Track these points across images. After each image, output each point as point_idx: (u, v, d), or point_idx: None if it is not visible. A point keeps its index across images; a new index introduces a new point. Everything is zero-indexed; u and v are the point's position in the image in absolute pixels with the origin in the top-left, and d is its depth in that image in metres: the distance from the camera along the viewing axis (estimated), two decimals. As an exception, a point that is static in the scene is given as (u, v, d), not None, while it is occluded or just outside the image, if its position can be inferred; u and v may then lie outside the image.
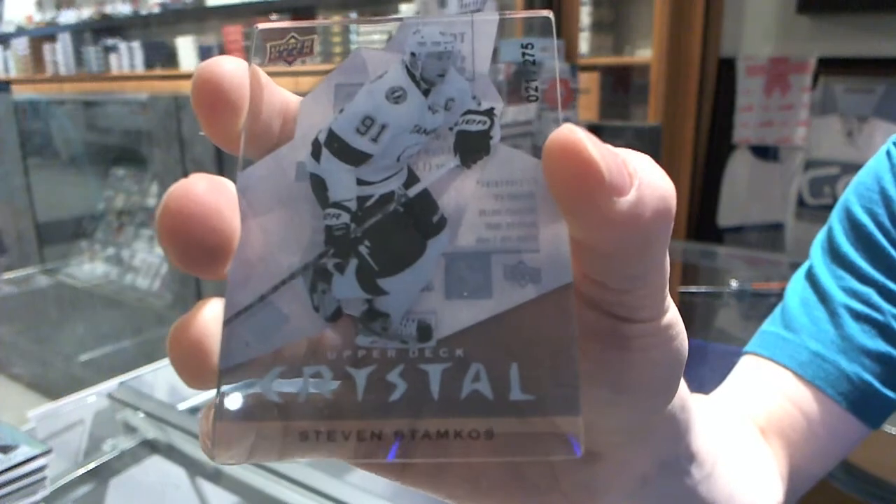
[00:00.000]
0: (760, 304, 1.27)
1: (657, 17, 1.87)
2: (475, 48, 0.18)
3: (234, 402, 0.16)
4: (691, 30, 1.88)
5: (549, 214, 0.17)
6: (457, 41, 0.18)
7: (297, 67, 0.19)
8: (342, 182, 0.18)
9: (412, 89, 0.18)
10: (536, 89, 0.18)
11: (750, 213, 1.96)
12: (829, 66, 1.79)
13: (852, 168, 1.74)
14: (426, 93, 0.18)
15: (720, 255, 1.75)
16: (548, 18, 0.18)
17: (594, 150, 0.16)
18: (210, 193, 0.16)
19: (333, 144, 0.18)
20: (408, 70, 0.18)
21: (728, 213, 1.98)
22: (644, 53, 2.25)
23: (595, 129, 1.68)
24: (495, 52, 0.18)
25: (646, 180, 0.16)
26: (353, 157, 0.18)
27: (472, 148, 0.18)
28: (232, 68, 0.17)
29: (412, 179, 0.18)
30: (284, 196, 0.18)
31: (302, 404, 0.17)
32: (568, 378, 0.16)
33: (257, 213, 0.17)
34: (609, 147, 0.16)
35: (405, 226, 0.17)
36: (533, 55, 0.18)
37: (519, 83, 0.18)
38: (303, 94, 0.19)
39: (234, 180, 0.18)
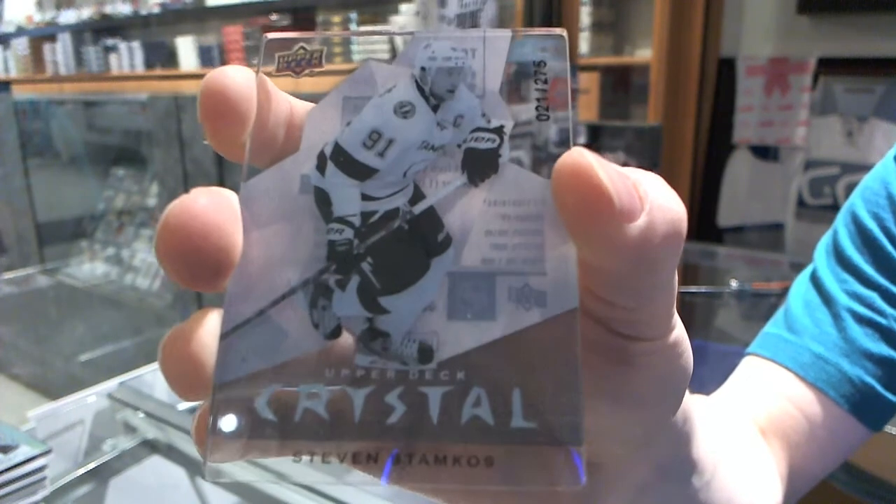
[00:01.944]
0: (760, 304, 1.27)
1: (657, 17, 1.86)
2: (486, 64, 0.18)
3: (227, 417, 0.16)
4: (691, 30, 1.88)
5: (556, 236, 0.17)
6: (468, 57, 0.18)
7: (304, 79, 0.18)
8: (346, 197, 0.17)
9: (421, 104, 0.17)
10: (547, 108, 0.17)
11: (750, 213, 1.96)
12: (829, 66, 1.79)
13: (852, 168, 1.74)
14: (435, 108, 0.17)
15: (720, 255, 1.75)
16: (561, 37, 0.18)
17: (604, 174, 0.15)
18: (211, 209, 0.16)
19: (339, 158, 0.17)
20: (417, 85, 0.18)
21: (728, 213, 1.98)
22: (644, 53, 2.25)
23: (595, 129, 1.68)
24: (506, 69, 0.18)
25: (656, 204, 0.16)
26: (359, 171, 0.17)
27: (480, 166, 0.17)
28: (239, 78, 0.17)
29: (418, 196, 0.17)
30: (288, 209, 0.17)
31: (297, 423, 0.16)
32: (571, 406, 0.16)
33: (260, 226, 0.17)
34: (619, 170, 0.16)
35: (409, 243, 0.17)
36: (545, 74, 0.18)
37: (529, 95, 0.18)
38: (310, 102, 0.18)
39: (235, 186, 0.18)
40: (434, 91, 0.18)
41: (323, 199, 0.17)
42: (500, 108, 0.17)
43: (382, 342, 0.17)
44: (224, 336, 0.16)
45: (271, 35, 0.18)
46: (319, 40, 0.18)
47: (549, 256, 0.17)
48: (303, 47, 0.18)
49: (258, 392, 0.16)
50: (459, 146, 0.17)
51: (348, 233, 0.17)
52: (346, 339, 0.17)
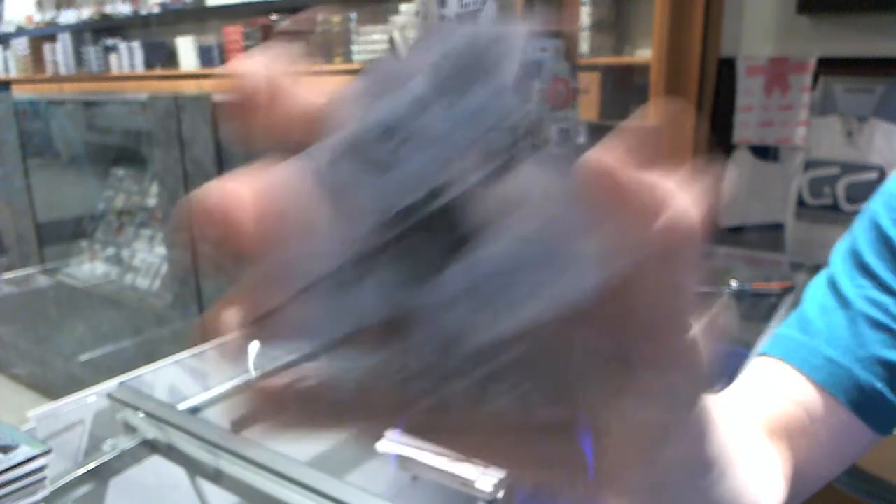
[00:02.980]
0: (760, 304, 1.27)
1: (657, 17, 1.86)
2: (501, 60, 0.18)
3: (262, 387, 0.17)
4: (691, 30, 1.88)
5: (571, 234, 0.17)
6: (484, 52, 0.18)
7: (317, 72, 0.19)
8: (365, 191, 0.17)
9: (438, 99, 0.18)
10: (550, 109, 0.18)
11: (750, 213, 1.96)
12: (829, 66, 1.79)
13: (852, 168, 1.74)
14: (451, 104, 0.18)
15: (720, 255, 1.75)
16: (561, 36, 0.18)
17: (625, 176, 0.16)
18: (236, 197, 0.17)
19: (357, 153, 0.18)
20: (433, 79, 0.18)
21: (728, 213, 1.98)
22: (644, 53, 2.25)
23: (595, 129, 1.68)
24: (522, 63, 0.18)
25: (676, 208, 0.16)
26: (375, 165, 0.18)
27: (498, 162, 0.17)
28: (255, 72, 0.18)
29: (437, 191, 0.17)
30: (306, 203, 0.17)
31: (319, 409, 0.17)
32: (588, 399, 0.16)
33: (278, 220, 0.17)
34: (640, 173, 0.16)
35: (429, 238, 0.17)
36: (545, 74, 0.18)
37: (530, 95, 0.18)
38: (325, 96, 0.19)
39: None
40: (451, 86, 0.18)
41: (342, 194, 0.17)
42: (517, 103, 0.18)
43: (403, 335, 0.17)
44: (251, 323, 0.17)
45: (281, 27, 0.19)
46: (328, 34, 0.19)
47: (568, 251, 0.17)
48: (314, 40, 0.19)
49: (282, 379, 0.17)
50: (476, 142, 0.17)
51: (367, 227, 0.17)
52: (367, 331, 0.17)
